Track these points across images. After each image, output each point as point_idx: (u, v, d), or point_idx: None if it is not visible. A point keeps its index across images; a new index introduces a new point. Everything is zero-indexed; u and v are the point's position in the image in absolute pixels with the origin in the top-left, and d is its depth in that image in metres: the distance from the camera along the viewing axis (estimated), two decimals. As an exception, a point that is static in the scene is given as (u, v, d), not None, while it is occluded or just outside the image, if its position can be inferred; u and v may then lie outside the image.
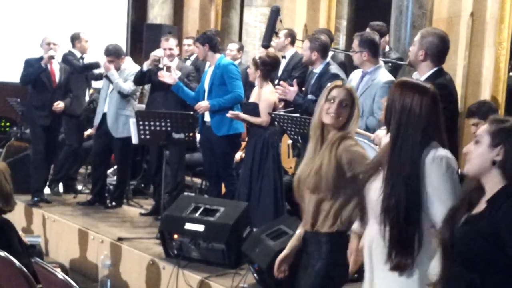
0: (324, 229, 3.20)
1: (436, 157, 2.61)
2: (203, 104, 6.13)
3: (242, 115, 5.89)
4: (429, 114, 2.66)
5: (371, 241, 2.76)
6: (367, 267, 2.83)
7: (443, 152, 2.64)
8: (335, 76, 5.39)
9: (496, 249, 2.34)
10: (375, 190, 2.70)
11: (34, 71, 7.03)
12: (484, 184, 2.44)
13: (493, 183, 2.41)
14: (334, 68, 5.56)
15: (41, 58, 7.09)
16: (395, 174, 2.61)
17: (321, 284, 3.20)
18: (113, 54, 6.98)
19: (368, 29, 6.53)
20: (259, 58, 5.92)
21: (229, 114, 5.90)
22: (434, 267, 2.53)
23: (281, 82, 5.42)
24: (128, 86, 6.87)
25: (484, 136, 2.42)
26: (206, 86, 6.28)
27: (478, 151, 2.42)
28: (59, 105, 7.05)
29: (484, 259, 2.37)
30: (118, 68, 6.96)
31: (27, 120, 7.53)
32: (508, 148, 2.38)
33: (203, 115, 6.29)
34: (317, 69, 5.60)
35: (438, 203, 2.59)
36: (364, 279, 2.86)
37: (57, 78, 7.16)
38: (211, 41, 6.25)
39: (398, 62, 6.06)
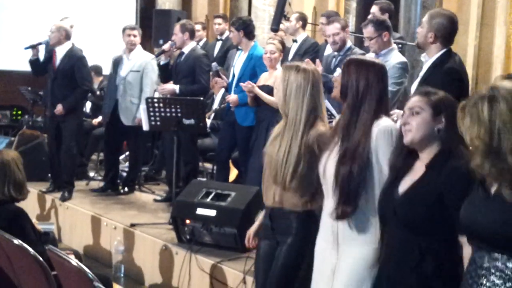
0: (291, 207, 3.24)
1: (386, 128, 2.80)
2: (233, 98, 6.13)
3: (257, 89, 5.78)
4: (381, 87, 2.86)
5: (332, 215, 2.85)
6: (330, 238, 2.90)
7: (390, 122, 2.85)
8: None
9: (440, 212, 2.47)
10: (332, 164, 2.86)
11: (30, 61, 6.87)
12: (420, 150, 2.60)
13: (430, 149, 2.58)
14: (358, 50, 5.58)
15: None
16: (351, 144, 2.79)
17: (294, 258, 3.24)
18: (138, 28, 7.10)
19: (374, 7, 6.50)
20: (280, 42, 5.88)
21: (245, 84, 5.78)
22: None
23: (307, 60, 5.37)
24: (149, 88, 6.88)
25: (425, 107, 2.58)
26: (236, 72, 6.27)
27: (420, 121, 2.58)
28: (58, 108, 6.66)
29: (430, 223, 2.50)
30: (135, 44, 6.93)
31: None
32: (449, 116, 2.53)
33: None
34: (341, 51, 5.56)
35: (386, 167, 2.76)
36: (320, 250, 2.98)
37: (56, 66, 6.80)
38: (247, 27, 6.25)
39: (409, 43, 6.02)
